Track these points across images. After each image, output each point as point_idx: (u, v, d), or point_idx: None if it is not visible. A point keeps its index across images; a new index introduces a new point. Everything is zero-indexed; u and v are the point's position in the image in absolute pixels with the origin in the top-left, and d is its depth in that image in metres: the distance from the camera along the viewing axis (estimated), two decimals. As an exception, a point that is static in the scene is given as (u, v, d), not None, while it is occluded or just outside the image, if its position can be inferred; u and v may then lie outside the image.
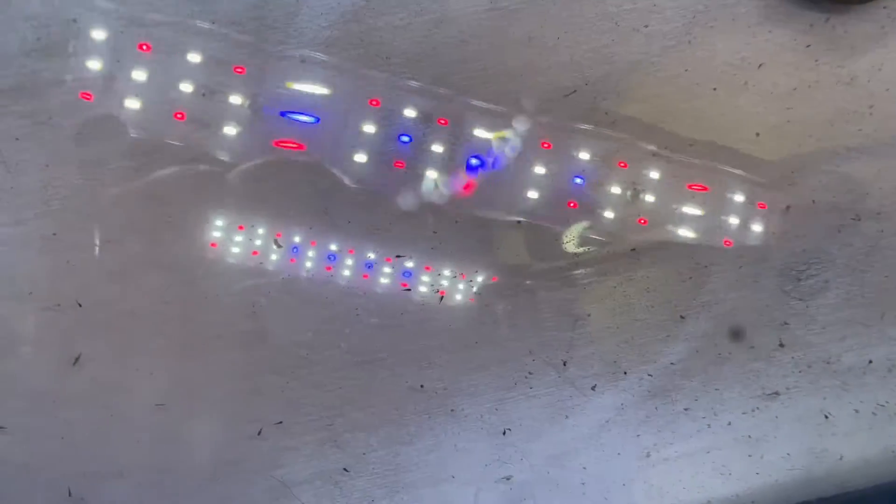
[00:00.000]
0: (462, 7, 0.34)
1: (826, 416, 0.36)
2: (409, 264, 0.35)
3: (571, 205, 0.34)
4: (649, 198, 0.35)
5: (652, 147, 0.34)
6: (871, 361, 0.36)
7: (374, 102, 0.34)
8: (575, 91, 0.34)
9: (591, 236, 0.35)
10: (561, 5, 0.34)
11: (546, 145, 0.34)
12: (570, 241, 0.34)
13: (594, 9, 0.34)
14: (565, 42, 0.34)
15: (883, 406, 0.36)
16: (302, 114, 0.34)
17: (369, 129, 0.34)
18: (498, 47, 0.34)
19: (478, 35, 0.34)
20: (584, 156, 0.34)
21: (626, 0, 0.34)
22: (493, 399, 0.36)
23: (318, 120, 0.34)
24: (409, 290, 0.35)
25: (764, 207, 0.35)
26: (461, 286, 0.35)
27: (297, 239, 0.35)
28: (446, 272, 0.35)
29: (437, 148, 0.34)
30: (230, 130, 0.34)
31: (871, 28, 0.33)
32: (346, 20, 0.34)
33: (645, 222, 0.34)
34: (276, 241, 0.34)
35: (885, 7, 0.33)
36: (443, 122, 0.34)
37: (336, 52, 0.34)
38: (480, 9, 0.34)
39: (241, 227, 0.34)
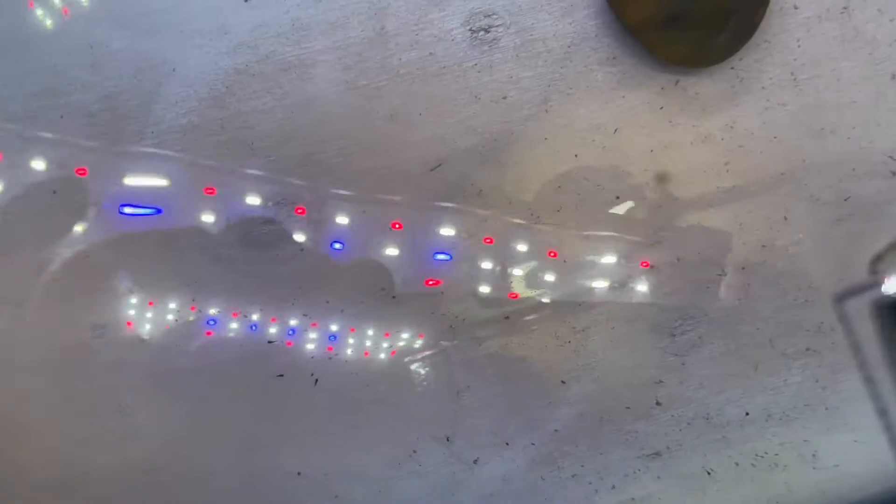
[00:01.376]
0: (324, 88, 0.35)
1: (708, 472, 0.36)
2: (283, 359, 0.35)
3: (431, 282, 0.34)
4: (517, 270, 0.35)
5: (517, 218, 0.35)
6: (748, 413, 0.36)
7: (209, 191, 0.34)
8: (440, 165, 0.34)
9: (465, 308, 0.35)
10: (421, 82, 0.35)
11: (398, 226, 0.35)
12: (446, 314, 0.35)
13: (454, 84, 0.35)
14: (428, 117, 0.35)
15: (762, 457, 0.36)
16: (143, 207, 0.34)
17: (213, 217, 0.34)
18: (361, 125, 0.35)
19: (341, 114, 0.35)
20: (449, 231, 0.34)
21: (483, 73, 0.34)
22: (380, 481, 0.36)
23: (159, 211, 0.34)
24: (283, 376, 0.35)
25: (632, 267, 0.35)
26: (336, 367, 0.35)
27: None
28: (321, 354, 0.35)
29: (299, 237, 0.34)
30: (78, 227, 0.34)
31: (720, 88, 0.35)
32: (206, 106, 0.34)
33: (516, 296, 0.35)
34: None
35: (732, 68, 0.35)
36: (300, 210, 0.34)
37: (195, 139, 0.34)
38: (342, 88, 0.35)
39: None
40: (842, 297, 0.38)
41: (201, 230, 0.38)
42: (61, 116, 0.37)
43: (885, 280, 0.37)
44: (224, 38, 0.37)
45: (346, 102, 0.38)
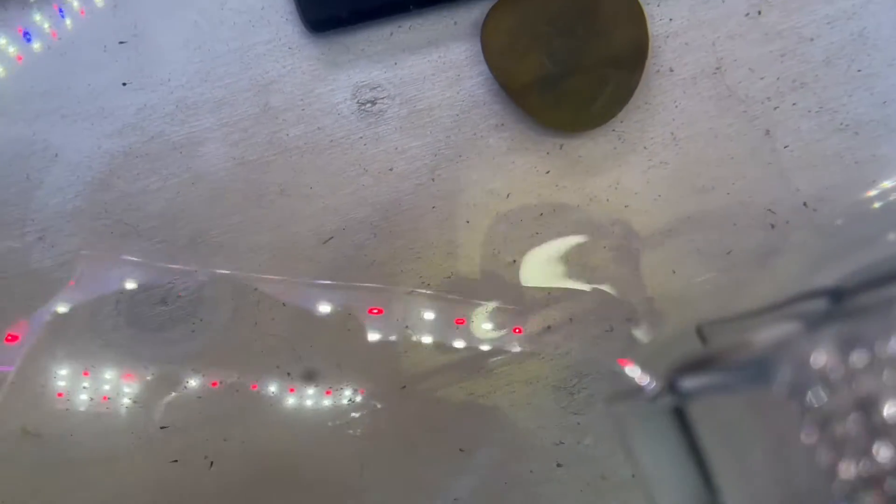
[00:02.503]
0: (212, 165, 0.35)
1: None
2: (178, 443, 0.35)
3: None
4: (415, 336, 0.35)
5: (410, 287, 0.35)
6: (634, 475, 0.37)
7: (97, 275, 0.35)
8: (333, 237, 0.35)
9: (363, 379, 0.35)
10: (311, 155, 0.35)
11: (286, 304, 0.35)
12: (343, 386, 0.35)
13: (343, 156, 0.36)
14: (319, 190, 0.36)
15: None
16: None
17: (103, 301, 0.35)
18: (251, 200, 0.35)
19: (230, 191, 0.35)
20: (341, 304, 0.35)
21: (371, 145, 0.35)
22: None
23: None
24: (177, 461, 0.35)
25: (528, 328, 0.36)
26: (232, 448, 0.35)
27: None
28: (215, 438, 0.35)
29: (191, 317, 0.34)
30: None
31: (603, 150, 0.36)
32: (92, 190, 0.34)
33: (413, 366, 0.36)
34: None
35: (614, 130, 0.36)
36: (192, 291, 0.35)
37: (81, 224, 0.34)
38: (230, 165, 0.35)
39: None
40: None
41: (92, 314, 0.37)
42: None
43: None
44: (108, 121, 0.37)
45: (235, 179, 0.38)
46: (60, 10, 0.37)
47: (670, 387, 0.34)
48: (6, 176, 0.37)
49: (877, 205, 0.39)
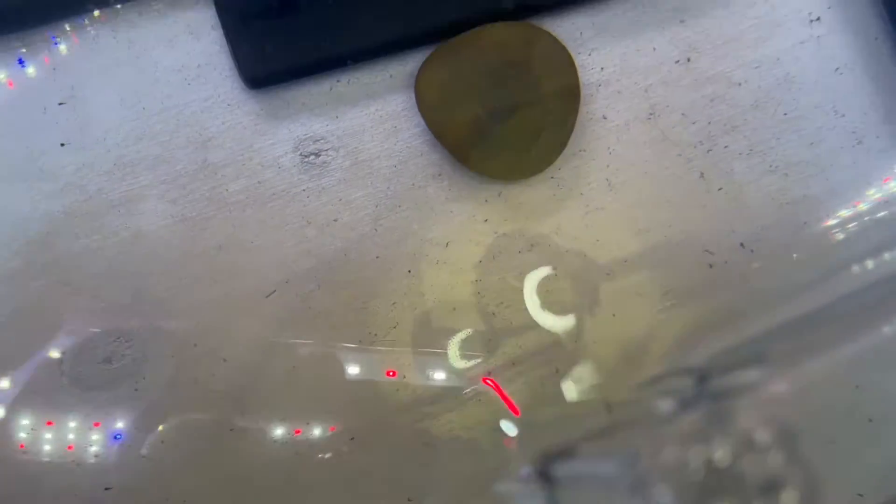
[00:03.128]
0: (153, 221, 0.35)
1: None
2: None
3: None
4: (360, 387, 0.36)
5: (352, 341, 0.35)
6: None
7: (41, 336, 0.35)
8: (275, 291, 0.35)
9: (309, 430, 0.35)
10: (253, 209, 0.36)
11: (226, 360, 0.35)
12: (288, 440, 0.35)
13: (285, 209, 0.36)
14: (261, 243, 0.36)
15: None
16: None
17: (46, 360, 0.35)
18: (193, 256, 0.35)
19: (171, 247, 0.35)
20: (286, 361, 0.35)
21: (314, 196, 0.36)
22: None
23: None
24: None
25: (471, 376, 0.36)
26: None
27: None
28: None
29: (136, 373, 0.35)
30: None
31: (542, 196, 0.37)
32: (33, 250, 0.34)
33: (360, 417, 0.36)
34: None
35: (552, 177, 0.37)
36: (136, 347, 0.35)
37: (21, 284, 0.34)
38: (171, 221, 0.35)
39: None
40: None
41: (34, 375, 0.37)
42: None
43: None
44: (47, 181, 0.38)
45: (175, 235, 0.38)
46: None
47: (542, 473, 0.35)
48: (-57, 240, 0.37)
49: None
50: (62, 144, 0.38)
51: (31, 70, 0.38)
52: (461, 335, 0.39)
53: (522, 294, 0.40)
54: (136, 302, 0.38)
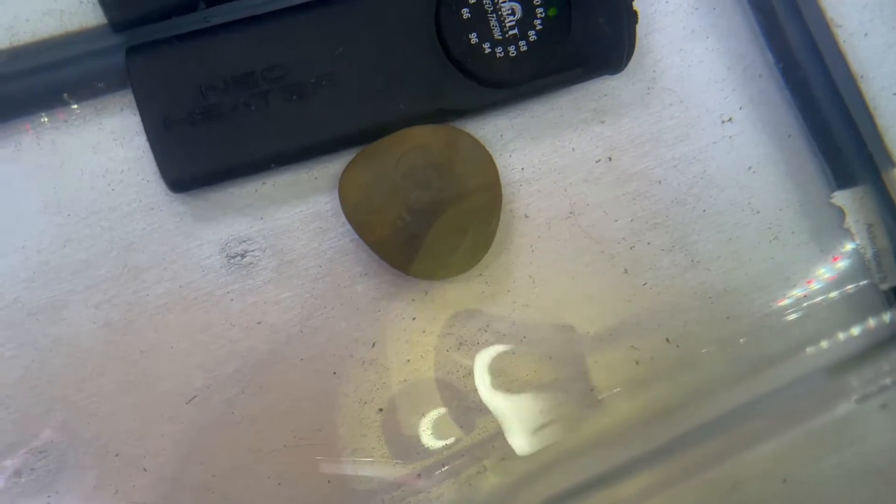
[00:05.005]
0: (74, 327, 0.35)
1: None
2: None
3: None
4: (287, 494, 0.36)
5: (281, 443, 0.36)
6: None
7: None
8: (196, 396, 0.35)
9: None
10: (176, 312, 0.37)
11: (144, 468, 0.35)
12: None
13: (210, 312, 0.37)
14: (187, 346, 0.36)
15: None
16: None
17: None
18: (117, 361, 0.36)
19: (94, 352, 0.35)
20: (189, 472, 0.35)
21: (239, 298, 0.36)
22: None
23: None
24: None
25: (399, 480, 0.36)
26: None
27: None
28: None
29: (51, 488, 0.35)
30: None
31: (469, 294, 0.38)
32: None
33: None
34: None
35: (480, 274, 0.37)
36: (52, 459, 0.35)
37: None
38: (93, 327, 0.35)
39: None
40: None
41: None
42: None
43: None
44: (-37, 290, 0.38)
45: (97, 341, 0.39)
46: None
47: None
48: None
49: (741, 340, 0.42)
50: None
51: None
52: (388, 437, 0.40)
53: (451, 394, 0.40)
54: (52, 411, 0.38)
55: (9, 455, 0.38)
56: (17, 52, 0.39)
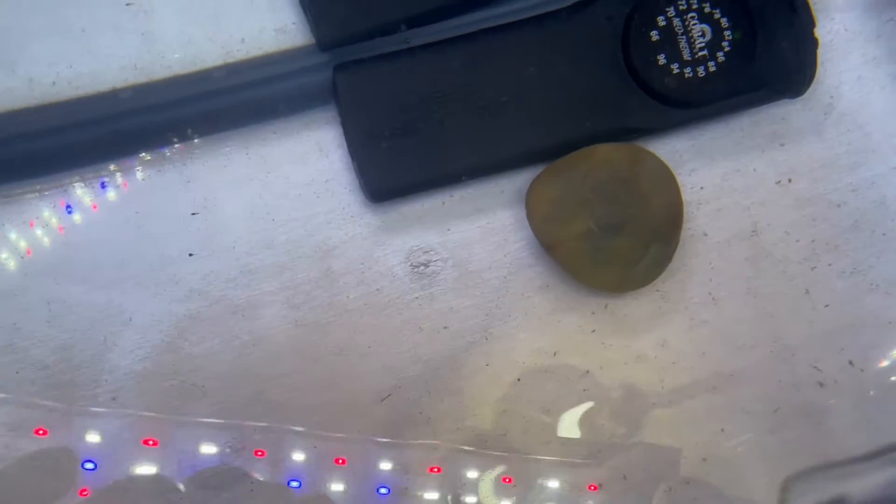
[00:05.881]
0: (273, 327, 0.38)
1: None
2: None
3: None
4: (469, 499, 0.37)
5: (466, 445, 0.37)
6: None
7: (152, 442, 0.37)
8: (390, 395, 0.37)
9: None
10: (369, 316, 0.39)
11: (342, 461, 0.37)
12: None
13: (398, 316, 0.39)
14: (377, 349, 0.38)
15: None
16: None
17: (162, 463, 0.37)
18: (310, 360, 0.38)
19: (290, 351, 0.38)
20: (387, 465, 0.37)
21: (425, 304, 0.38)
22: None
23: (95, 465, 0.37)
24: None
25: (580, 488, 0.37)
26: None
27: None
28: None
29: (251, 476, 0.37)
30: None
31: (648, 309, 0.39)
32: (160, 352, 0.37)
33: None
34: None
35: (657, 290, 0.39)
36: (252, 450, 0.37)
37: (149, 386, 0.37)
38: (289, 326, 0.38)
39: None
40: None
41: (156, 477, 0.39)
42: (16, 371, 0.39)
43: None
44: (177, 287, 0.41)
45: (295, 339, 0.41)
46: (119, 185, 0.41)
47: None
48: (85, 339, 0.40)
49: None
50: (190, 254, 0.41)
51: (166, 181, 0.42)
52: (570, 445, 0.41)
53: (629, 407, 0.41)
54: (254, 404, 0.40)
55: (211, 443, 0.40)
56: (232, 69, 0.42)
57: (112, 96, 0.40)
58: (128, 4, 0.41)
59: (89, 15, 0.41)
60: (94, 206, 0.41)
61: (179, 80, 0.41)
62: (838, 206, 0.43)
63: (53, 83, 0.41)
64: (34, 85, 0.40)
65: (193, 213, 0.42)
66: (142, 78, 0.41)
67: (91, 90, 0.41)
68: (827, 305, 0.42)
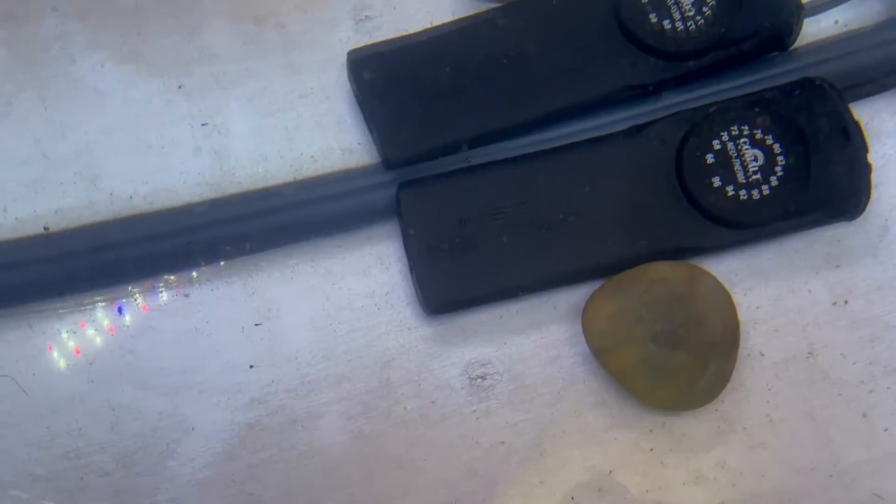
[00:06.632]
0: (330, 438, 0.39)
1: None
2: None
3: None
4: None
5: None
6: None
7: None
8: (444, 509, 0.38)
9: None
10: (425, 428, 0.39)
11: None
12: None
13: (455, 429, 0.39)
14: (433, 462, 0.39)
15: None
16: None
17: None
18: (367, 472, 0.39)
19: (347, 462, 0.38)
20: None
21: (482, 418, 0.39)
22: None
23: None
24: None
25: None
26: None
27: None
28: None
29: None
30: None
31: (707, 429, 0.40)
32: (220, 461, 0.38)
33: None
34: None
35: (716, 410, 0.39)
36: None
37: (207, 494, 0.37)
38: (346, 437, 0.39)
39: None
40: None
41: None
42: (81, 478, 0.40)
43: None
44: (239, 396, 0.42)
45: (351, 451, 0.42)
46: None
47: None
48: (147, 446, 0.41)
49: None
50: (251, 366, 0.42)
51: (232, 291, 0.44)
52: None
53: (687, 527, 0.41)
54: (308, 517, 0.41)
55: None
56: (302, 185, 0.45)
57: (186, 210, 0.43)
58: (203, 125, 0.44)
59: (167, 134, 0.44)
60: (161, 315, 0.42)
61: (250, 196, 0.43)
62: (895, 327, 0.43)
63: (130, 197, 0.43)
64: (114, 199, 0.43)
65: (257, 324, 0.43)
66: (214, 193, 0.43)
67: (166, 204, 0.43)
68: (886, 429, 0.42)
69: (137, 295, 0.42)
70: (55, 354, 0.42)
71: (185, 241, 0.42)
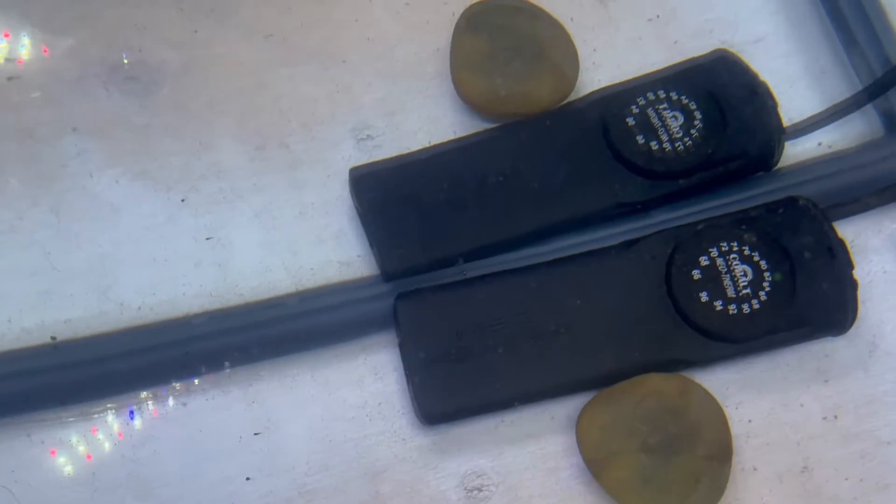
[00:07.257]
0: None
1: None
2: None
3: None
4: None
5: None
6: None
7: None
8: None
9: None
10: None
11: None
12: None
13: None
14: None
15: None
16: None
17: None
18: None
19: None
20: None
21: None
22: None
23: None
24: None
25: None
26: None
27: None
28: None
29: None
30: None
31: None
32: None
33: None
34: None
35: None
36: None
37: None
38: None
39: None
40: None
41: None
42: None
43: None
44: (236, 508, 0.43)
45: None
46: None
47: None
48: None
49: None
50: (247, 478, 0.43)
51: (230, 400, 0.45)
52: None
53: None
54: None
55: None
56: (302, 296, 0.46)
57: (187, 322, 0.44)
58: (207, 239, 0.46)
59: (172, 246, 0.46)
60: (161, 424, 0.44)
61: (250, 307, 0.45)
62: (888, 443, 0.44)
63: (139, 308, 0.45)
64: (124, 309, 0.44)
65: (256, 434, 0.44)
66: (217, 304, 0.45)
67: (169, 315, 0.45)
68: (879, 543, 0.42)
69: (136, 404, 0.44)
70: (53, 464, 0.42)
71: (185, 352, 0.43)
